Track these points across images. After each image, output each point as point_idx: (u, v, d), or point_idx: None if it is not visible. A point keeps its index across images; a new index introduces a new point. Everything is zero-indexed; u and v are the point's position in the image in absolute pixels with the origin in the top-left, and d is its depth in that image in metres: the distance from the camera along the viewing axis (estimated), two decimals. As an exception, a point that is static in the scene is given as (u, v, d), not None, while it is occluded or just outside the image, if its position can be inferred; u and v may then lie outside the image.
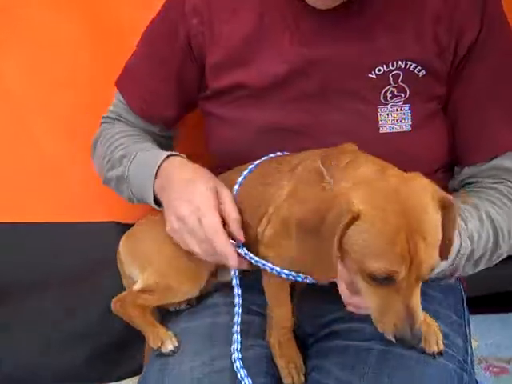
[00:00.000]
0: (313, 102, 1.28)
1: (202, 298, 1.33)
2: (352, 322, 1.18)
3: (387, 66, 1.25)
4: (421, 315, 0.97)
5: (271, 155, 1.27)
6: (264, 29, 1.30)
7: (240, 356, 1.15)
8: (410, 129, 1.25)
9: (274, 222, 1.18)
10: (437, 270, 1.16)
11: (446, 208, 0.99)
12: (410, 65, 1.25)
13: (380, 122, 1.25)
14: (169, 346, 1.22)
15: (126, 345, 1.59)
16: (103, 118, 1.51)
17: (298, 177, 1.13)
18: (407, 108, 1.26)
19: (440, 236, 0.98)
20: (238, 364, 1.14)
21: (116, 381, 1.68)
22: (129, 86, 1.46)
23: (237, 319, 1.19)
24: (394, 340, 0.96)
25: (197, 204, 1.19)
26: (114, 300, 1.31)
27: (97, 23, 1.63)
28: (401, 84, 1.26)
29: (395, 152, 1.18)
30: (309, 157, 1.17)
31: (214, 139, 1.40)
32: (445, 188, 1.29)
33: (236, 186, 1.26)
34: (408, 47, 1.25)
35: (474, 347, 1.56)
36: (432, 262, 0.95)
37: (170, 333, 1.25)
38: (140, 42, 1.45)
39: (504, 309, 1.74)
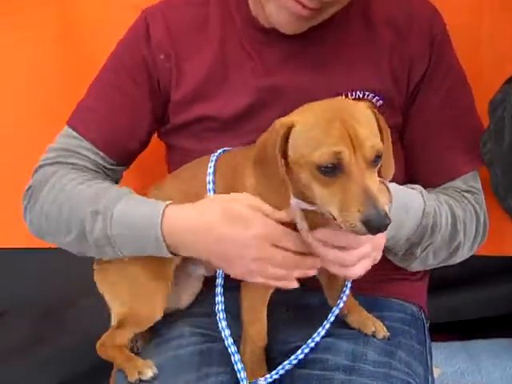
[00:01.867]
0: None
1: (158, 329, 1.32)
2: (316, 352, 1.20)
3: (346, 96, 1.28)
4: (381, 197, 0.94)
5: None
6: (226, 61, 1.33)
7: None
8: None
9: None
10: (406, 231, 1.19)
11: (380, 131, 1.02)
12: (368, 94, 1.29)
13: None
14: (148, 373, 1.20)
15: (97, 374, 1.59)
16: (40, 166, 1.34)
17: None
18: None
19: (377, 132, 1.00)
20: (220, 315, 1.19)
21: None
22: (87, 123, 1.36)
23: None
24: (363, 228, 0.93)
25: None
26: (97, 345, 1.29)
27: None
28: None
29: None
30: None
31: None
32: None
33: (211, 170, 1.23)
34: (366, 77, 1.30)
35: (438, 374, 1.61)
36: (373, 142, 0.96)
37: (146, 361, 1.23)
38: (100, 79, 1.39)
39: (467, 336, 1.78)
